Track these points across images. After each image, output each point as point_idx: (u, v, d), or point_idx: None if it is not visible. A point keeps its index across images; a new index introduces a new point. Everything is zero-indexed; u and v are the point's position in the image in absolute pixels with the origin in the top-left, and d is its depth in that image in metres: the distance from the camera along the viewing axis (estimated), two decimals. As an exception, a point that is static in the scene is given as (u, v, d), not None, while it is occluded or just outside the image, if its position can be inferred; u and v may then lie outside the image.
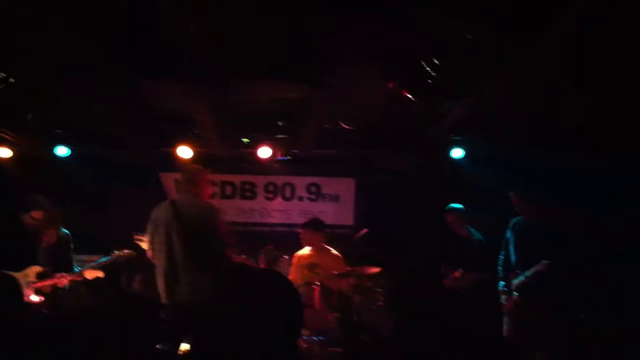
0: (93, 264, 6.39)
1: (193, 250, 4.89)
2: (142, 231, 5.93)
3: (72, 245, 6.49)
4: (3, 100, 6.02)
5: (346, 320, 6.49)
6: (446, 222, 7.10)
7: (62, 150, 7.77)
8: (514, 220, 6.18)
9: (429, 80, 5.08)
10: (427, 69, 4.97)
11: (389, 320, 6.82)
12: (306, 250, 7.06)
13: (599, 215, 6.68)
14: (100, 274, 6.26)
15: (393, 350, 6.50)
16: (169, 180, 8.88)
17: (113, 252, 6.54)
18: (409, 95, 5.52)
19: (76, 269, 6.28)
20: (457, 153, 7.91)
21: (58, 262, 6.24)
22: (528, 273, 5.73)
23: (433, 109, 6.60)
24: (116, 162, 8.49)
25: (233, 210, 8.94)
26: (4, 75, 5.49)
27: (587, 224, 6.39)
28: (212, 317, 1.95)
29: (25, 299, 5.71)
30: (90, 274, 6.18)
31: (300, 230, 7.07)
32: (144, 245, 5.40)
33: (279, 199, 9.10)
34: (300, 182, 9.16)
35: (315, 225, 7.04)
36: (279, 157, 8.13)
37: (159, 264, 5.09)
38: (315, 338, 6.16)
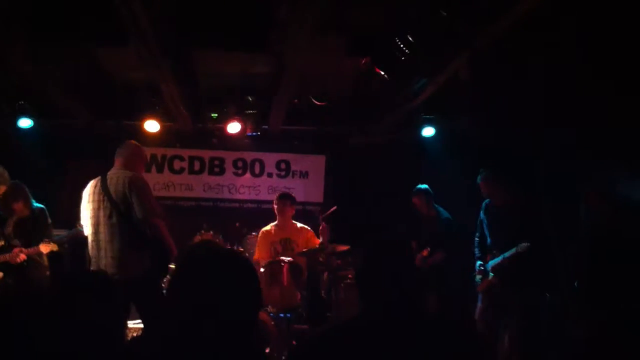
0: (56, 238, 6.29)
1: (117, 222, 4.82)
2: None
3: (49, 220, 6.34)
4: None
5: (314, 298, 6.48)
6: (413, 202, 7.11)
7: (25, 122, 7.54)
8: (487, 201, 6.19)
9: (402, 57, 5.02)
10: (401, 45, 4.91)
11: (357, 298, 6.80)
12: (274, 226, 6.99)
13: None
14: (55, 248, 6.14)
15: (360, 329, 6.48)
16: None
17: (79, 224, 6.43)
18: (381, 72, 5.47)
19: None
20: (428, 132, 7.89)
21: (30, 235, 6.12)
22: (506, 254, 5.74)
23: (405, 87, 6.57)
24: (78, 133, 8.25)
25: (201, 186, 8.83)
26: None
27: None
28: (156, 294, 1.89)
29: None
30: (45, 248, 6.06)
31: (276, 202, 6.99)
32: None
33: (248, 175, 9.00)
34: (270, 159, 9.07)
35: (292, 199, 7.01)
36: (249, 133, 8.02)
37: (88, 237, 5.02)
38: (282, 315, 6.13)
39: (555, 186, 6.36)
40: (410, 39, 4.87)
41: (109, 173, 5.08)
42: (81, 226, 6.12)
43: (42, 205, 6.33)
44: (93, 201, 4.97)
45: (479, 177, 6.10)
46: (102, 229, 4.87)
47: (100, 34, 5.46)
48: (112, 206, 4.85)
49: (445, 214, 7.02)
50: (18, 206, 6.12)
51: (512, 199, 5.96)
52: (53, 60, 6.00)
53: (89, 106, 7.53)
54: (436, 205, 7.07)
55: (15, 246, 5.99)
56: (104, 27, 5.23)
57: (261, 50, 5.90)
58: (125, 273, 4.63)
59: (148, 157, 8.53)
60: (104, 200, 4.89)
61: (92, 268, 4.93)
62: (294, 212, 6.99)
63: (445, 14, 4.58)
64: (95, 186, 5.01)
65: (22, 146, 7.71)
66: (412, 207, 7.15)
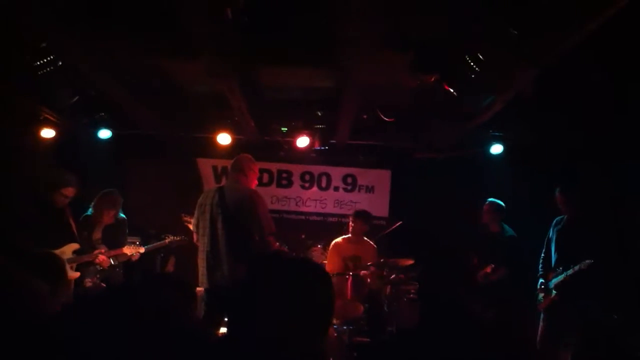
0: (149, 246, 6.63)
1: (234, 236, 4.96)
2: (187, 213, 6.08)
3: (127, 230, 6.63)
4: (49, 83, 6.13)
5: (375, 311, 6.53)
6: (481, 215, 7.06)
7: (104, 133, 7.92)
8: (557, 219, 6.10)
9: (471, 75, 5.04)
10: (471, 63, 4.93)
11: (419, 313, 6.82)
12: (346, 240, 7.09)
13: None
14: (142, 250, 6.39)
15: (420, 343, 6.50)
16: (206, 166, 8.98)
17: (166, 237, 6.71)
18: (450, 89, 5.49)
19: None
20: (496, 149, 7.84)
21: (113, 243, 6.39)
22: (569, 272, 5.65)
23: (472, 103, 6.56)
24: (152, 145, 8.55)
25: (269, 198, 9.01)
26: (52, 57, 5.60)
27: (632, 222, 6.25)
28: (248, 302, 1.98)
29: (67, 275, 5.81)
30: (129, 250, 6.32)
31: (351, 219, 7.10)
32: (192, 227, 5.52)
33: (315, 188, 9.13)
34: (337, 172, 9.18)
35: (366, 216, 7.09)
36: (317, 147, 8.16)
37: (202, 248, 5.18)
38: (344, 327, 6.20)
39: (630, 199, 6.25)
40: (480, 56, 4.89)
41: (225, 186, 5.27)
42: (169, 238, 6.39)
43: (124, 215, 6.62)
44: (210, 212, 5.14)
45: (557, 189, 6.00)
46: (219, 240, 5.03)
47: (172, 48, 5.65)
48: (229, 219, 5.01)
49: (510, 231, 6.95)
50: (109, 214, 6.40)
51: (584, 213, 5.85)
52: (126, 73, 6.27)
53: (162, 118, 7.78)
54: (502, 222, 7.01)
55: (100, 250, 6.23)
56: (175, 42, 5.39)
57: (327, 65, 6.00)
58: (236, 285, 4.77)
59: (219, 169, 8.82)
60: (221, 213, 5.06)
61: (203, 279, 5.11)
62: (366, 229, 7.08)
63: (515, 32, 4.58)
64: (213, 198, 5.18)
65: (99, 156, 8.07)
66: (477, 222, 7.11)
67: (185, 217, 6.70)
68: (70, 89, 6.88)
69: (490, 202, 7.03)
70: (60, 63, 5.72)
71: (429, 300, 6.89)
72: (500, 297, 6.63)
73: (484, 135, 7.81)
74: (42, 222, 5.76)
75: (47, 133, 7.69)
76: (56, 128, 7.72)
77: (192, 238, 5.51)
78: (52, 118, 7.58)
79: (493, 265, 6.73)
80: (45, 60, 5.68)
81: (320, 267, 2.15)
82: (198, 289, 5.33)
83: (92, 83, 6.61)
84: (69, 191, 6.03)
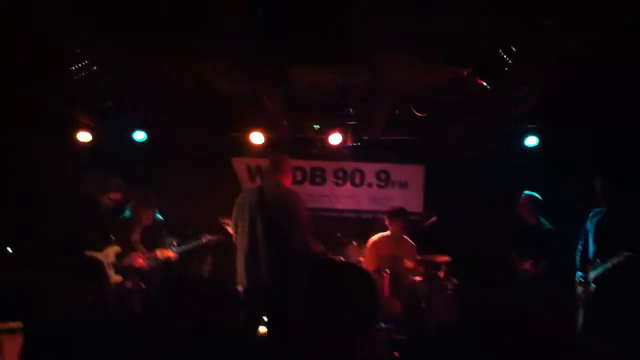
0: (184, 247, 6.68)
1: (274, 235, 4.99)
2: (223, 215, 6.14)
3: (165, 231, 6.71)
4: (84, 87, 6.23)
5: (414, 308, 6.51)
6: (517, 208, 6.99)
7: (139, 135, 8.03)
8: (595, 210, 6.01)
9: (504, 68, 4.99)
10: (504, 56, 4.88)
11: (457, 309, 6.79)
12: (384, 238, 7.07)
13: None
14: (171, 254, 6.46)
15: (459, 339, 6.47)
16: (241, 165, 9.04)
17: (203, 236, 6.78)
18: (483, 83, 5.45)
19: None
20: (531, 141, 7.76)
21: (151, 244, 6.47)
22: (607, 264, 5.57)
23: (507, 96, 6.50)
24: (187, 146, 8.63)
25: (302, 196, 8.99)
26: (86, 62, 5.69)
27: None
28: (289, 302, 2.00)
29: (110, 279, 5.90)
30: (161, 253, 6.38)
31: (389, 218, 7.08)
32: (230, 229, 5.56)
33: (348, 185, 9.12)
34: (370, 169, 9.16)
35: (404, 214, 7.07)
36: (349, 144, 8.16)
37: (241, 247, 5.22)
38: (382, 325, 6.19)
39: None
40: (514, 49, 4.83)
41: (264, 185, 5.31)
42: (205, 237, 6.45)
43: (161, 217, 6.69)
44: (249, 212, 5.18)
45: (596, 181, 5.91)
46: (259, 240, 5.07)
47: (205, 49, 5.68)
48: (269, 219, 5.05)
49: (547, 224, 6.88)
50: (147, 215, 6.48)
51: (623, 205, 5.75)
52: (160, 75, 6.34)
53: (196, 119, 7.84)
54: (539, 215, 6.94)
55: (138, 252, 6.30)
56: (208, 43, 5.44)
57: (358, 61, 5.99)
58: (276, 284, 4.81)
59: (253, 167, 8.88)
60: (261, 213, 5.10)
61: (242, 278, 5.16)
62: (406, 226, 7.05)
63: (548, 22, 4.52)
64: (252, 198, 5.23)
65: (135, 158, 8.18)
66: (514, 215, 7.04)
67: (223, 219, 6.73)
68: (106, 92, 6.98)
69: (527, 195, 6.95)
70: (94, 68, 5.81)
71: (467, 296, 6.85)
72: (540, 291, 6.56)
73: (519, 128, 7.73)
74: (88, 224, 5.85)
75: (83, 136, 7.82)
76: (92, 131, 7.84)
77: (230, 237, 5.55)
78: (87, 122, 7.70)
79: (532, 260, 6.66)
80: (80, 65, 5.79)
81: (367, 273, 2.16)
82: (237, 287, 5.36)
83: (126, 86, 6.70)
84: (117, 195, 6.13)
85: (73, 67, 5.74)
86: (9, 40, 5.14)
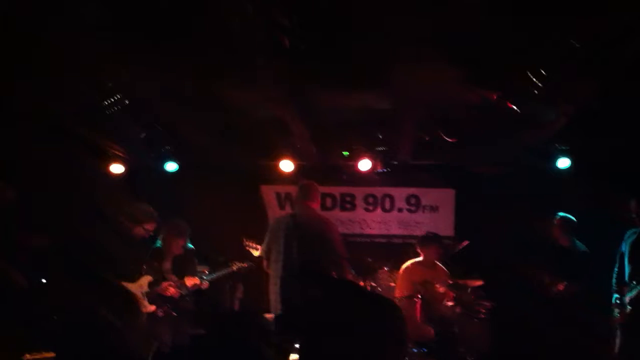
0: (214, 275, 6.67)
1: (310, 262, 5.01)
2: (249, 238, 6.15)
3: (196, 260, 6.73)
4: (117, 120, 6.34)
5: (446, 333, 6.43)
6: (550, 230, 6.91)
7: (171, 166, 8.14)
8: (630, 231, 5.93)
9: (534, 91, 4.96)
10: (534, 79, 4.86)
11: (490, 333, 6.69)
12: (416, 264, 7.01)
13: None
14: (198, 282, 6.46)
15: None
16: (270, 193, 9.08)
17: (233, 263, 6.80)
18: (513, 107, 5.42)
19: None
20: (563, 163, 7.67)
21: (182, 273, 6.48)
22: None
23: (537, 118, 6.45)
24: (216, 174, 8.70)
25: (333, 222, 9.02)
26: (119, 96, 5.81)
27: None
28: (322, 329, 2.00)
29: (143, 309, 5.94)
30: (191, 282, 6.39)
31: (421, 244, 7.03)
32: (254, 252, 5.57)
33: (379, 210, 9.11)
34: (400, 193, 9.13)
35: (438, 239, 7.01)
36: (379, 169, 8.16)
37: (275, 274, 5.23)
38: (415, 350, 6.13)
39: None
40: (543, 72, 4.81)
41: (298, 213, 5.35)
42: (235, 264, 6.45)
43: (192, 246, 6.73)
44: (283, 238, 5.22)
45: (631, 201, 5.83)
46: (295, 266, 5.10)
47: (233, 77, 5.75)
48: (305, 246, 5.08)
49: (581, 246, 6.79)
50: (177, 244, 6.50)
51: None
52: (189, 103, 6.43)
53: (225, 146, 7.90)
54: (573, 237, 6.84)
55: (169, 282, 6.32)
56: (236, 70, 5.50)
57: (385, 86, 6.00)
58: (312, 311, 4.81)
59: (282, 195, 8.91)
60: (296, 239, 5.14)
61: (277, 305, 5.16)
62: (437, 251, 6.98)
63: (577, 45, 4.49)
64: (287, 225, 5.27)
65: (166, 188, 8.28)
66: (546, 237, 6.96)
67: (247, 241, 6.73)
68: (138, 124, 7.09)
69: (561, 216, 6.88)
70: (126, 102, 5.92)
71: (500, 320, 6.76)
72: (575, 314, 6.44)
73: (550, 149, 7.66)
74: (122, 255, 5.90)
75: (117, 168, 7.94)
76: (125, 163, 7.96)
77: (260, 263, 5.56)
78: (120, 154, 7.83)
79: (566, 282, 6.55)
80: (112, 100, 5.90)
81: (396, 306, 2.16)
82: (267, 315, 5.36)
83: (157, 116, 6.80)
84: (151, 226, 6.18)
85: (106, 102, 5.85)
86: (43, 71, 5.25)
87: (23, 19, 4.44)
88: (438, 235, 7.18)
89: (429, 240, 7.03)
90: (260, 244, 6.28)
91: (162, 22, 4.69)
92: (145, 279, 6.03)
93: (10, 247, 5.33)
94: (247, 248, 6.69)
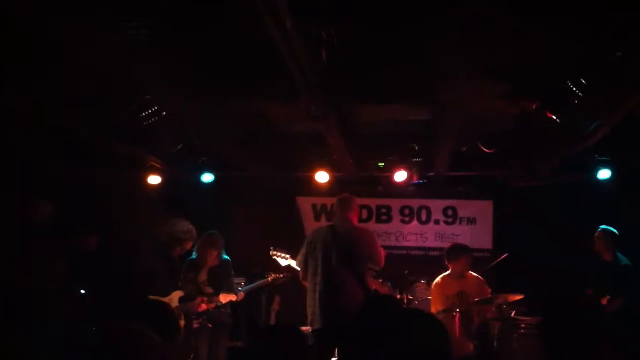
0: (250, 286, 6.70)
1: (351, 274, 4.98)
2: (276, 248, 6.14)
3: (232, 272, 6.71)
4: (154, 132, 6.40)
5: (486, 348, 6.32)
6: (593, 244, 6.75)
7: (207, 177, 8.20)
8: None
9: (574, 101, 4.87)
10: (573, 88, 4.77)
11: (530, 348, 6.55)
12: (446, 278, 6.90)
13: None
14: (233, 298, 6.45)
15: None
16: (306, 204, 9.07)
17: (269, 275, 6.79)
18: (552, 117, 5.33)
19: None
20: (604, 174, 7.51)
21: (219, 284, 6.47)
22: None
23: (577, 128, 6.33)
24: (252, 186, 8.73)
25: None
26: (157, 108, 5.86)
27: None
28: (364, 343, 1.98)
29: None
30: (224, 298, 6.37)
31: (450, 257, 6.90)
32: (282, 262, 5.54)
33: (415, 223, 9.04)
34: (436, 205, 9.06)
35: (461, 251, 6.87)
36: (415, 181, 8.09)
37: (313, 287, 5.20)
38: (454, 365, 6.03)
39: None
40: (584, 81, 4.71)
41: (336, 225, 5.34)
42: (271, 276, 6.43)
43: (228, 257, 6.73)
44: (322, 251, 5.20)
45: None
46: (334, 278, 5.08)
47: (271, 91, 5.79)
48: (345, 258, 5.07)
49: (624, 260, 6.62)
50: (212, 256, 6.51)
51: None
52: (227, 117, 6.47)
53: (261, 159, 7.96)
54: (616, 251, 6.68)
55: (207, 293, 6.32)
56: (274, 85, 5.52)
57: (423, 98, 5.97)
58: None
59: (319, 207, 8.90)
60: (336, 251, 5.12)
61: (316, 318, 5.13)
62: (465, 262, 6.84)
63: (620, 54, 4.40)
64: (325, 237, 5.26)
65: (203, 199, 8.33)
66: (589, 251, 6.80)
67: (273, 251, 6.68)
68: (174, 136, 7.16)
69: (603, 229, 6.72)
70: (164, 114, 5.98)
71: (541, 335, 6.60)
72: (619, 329, 6.27)
73: (591, 160, 7.51)
74: (159, 272, 5.94)
75: (154, 180, 8.02)
76: (162, 175, 8.03)
77: (296, 275, 5.54)
78: (158, 165, 7.91)
79: (609, 297, 6.39)
80: (150, 112, 5.96)
81: (439, 322, 2.12)
82: (304, 328, 5.32)
83: (194, 130, 6.86)
84: (189, 245, 6.22)
85: (143, 114, 5.92)
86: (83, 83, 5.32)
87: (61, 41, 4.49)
88: (462, 246, 7.03)
89: (457, 251, 6.89)
90: (288, 253, 6.27)
91: (200, 39, 4.75)
92: (177, 294, 6.04)
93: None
94: (274, 257, 6.65)
